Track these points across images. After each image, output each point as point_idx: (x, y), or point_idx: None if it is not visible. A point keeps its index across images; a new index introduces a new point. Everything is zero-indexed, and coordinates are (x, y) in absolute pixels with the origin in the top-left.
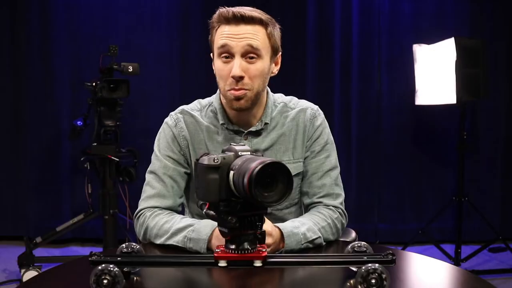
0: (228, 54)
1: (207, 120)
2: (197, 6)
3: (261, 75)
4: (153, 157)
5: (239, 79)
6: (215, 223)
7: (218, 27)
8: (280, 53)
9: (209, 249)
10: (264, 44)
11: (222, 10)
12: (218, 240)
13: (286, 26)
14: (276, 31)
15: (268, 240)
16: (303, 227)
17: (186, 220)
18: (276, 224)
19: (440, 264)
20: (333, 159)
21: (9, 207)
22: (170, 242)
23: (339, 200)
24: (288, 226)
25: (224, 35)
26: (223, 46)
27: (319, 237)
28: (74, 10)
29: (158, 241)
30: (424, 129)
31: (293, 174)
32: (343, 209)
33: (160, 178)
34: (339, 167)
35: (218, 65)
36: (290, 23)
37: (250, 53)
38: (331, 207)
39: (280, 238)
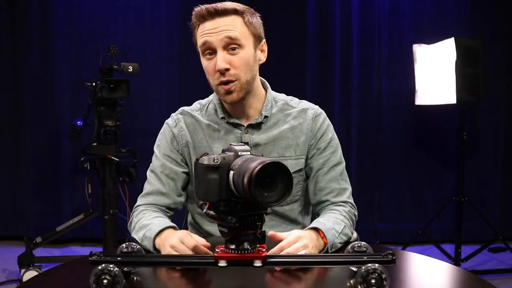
0: (210, 50)
1: (207, 118)
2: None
3: (246, 64)
4: (153, 156)
5: (224, 71)
6: (167, 224)
7: (198, 26)
8: (264, 40)
9: (155, 248)
10: (243, 33)
11: (197, 9)
12: (161, 240)
13: (286, 25)
14: (255, 19)
15: (303, 241)
16: (328, 222)
17: (151, 219)
18: (308, 226)
19: (440, 264)
20: (339, 154)
21: (9, 207)
22: (135, 237)
23: (346, 194)
24: (317, 224)
25: (203, 33)
26: (203, 44)
27: (345, 226)
28: (74, 10)
29: (132, 234)
30: (424, 129)
31: (295, 170)
32: (352, 202)
33: (158, 177)
34: (344, 162)
35: (203, 63)
36: (290, 22)
37: (231, 44)
38: (339, 203)
39: (316, 236)
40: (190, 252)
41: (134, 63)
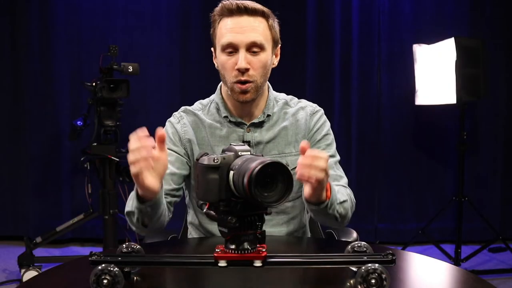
0: (232, 47)
1: (210, 117)
2: (197, 6)
3: (264, 66)
4: None
5: (244, 71)
6: None
7: (220, 20)
8: (280, 45)
9: (140, 197)
10: (266, 37)
11: (226, 2)
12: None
13: (286, 26)
14: (276, 23)
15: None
16: (335, 188)
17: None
18: None
19: (440, 264)
20: (333, 148)
21: (9, 207)
22: (128, 209)
23: (344, 180)
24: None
25: (228, 29)
26: (227, 41)
27: (346, 200)
28: (74, 10)
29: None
30: (424, 129)
31: (296, 166)
32: (350, 190)
33: None
34: (339, 157)
35: (222, 58)
36: (290, 23)
37: (254, 46)
38: (339, 186)
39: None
40: (145, 150)
41: (134, 63)
